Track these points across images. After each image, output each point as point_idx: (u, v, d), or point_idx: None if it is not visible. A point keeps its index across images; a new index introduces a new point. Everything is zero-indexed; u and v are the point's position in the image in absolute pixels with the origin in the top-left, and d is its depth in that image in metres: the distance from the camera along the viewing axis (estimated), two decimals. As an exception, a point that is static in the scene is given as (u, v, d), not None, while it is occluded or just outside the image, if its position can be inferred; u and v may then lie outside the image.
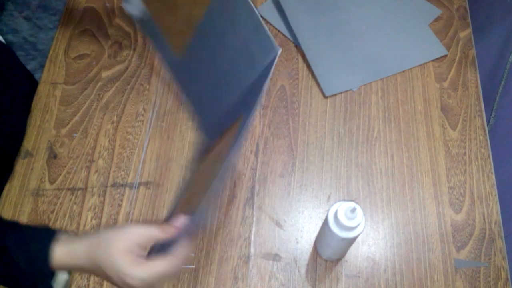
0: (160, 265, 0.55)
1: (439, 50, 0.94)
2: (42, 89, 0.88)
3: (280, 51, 0.56)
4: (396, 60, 0.93)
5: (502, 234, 0.78)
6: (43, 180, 0.79)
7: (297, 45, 0.94)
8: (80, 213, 0.77)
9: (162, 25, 0.78)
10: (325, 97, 0.89)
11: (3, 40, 0.88)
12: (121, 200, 0.78)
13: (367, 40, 0.95)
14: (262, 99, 0.62)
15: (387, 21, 0.97)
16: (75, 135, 0.84)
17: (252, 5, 0.59)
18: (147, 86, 0.89)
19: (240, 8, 0.62)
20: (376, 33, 0.96)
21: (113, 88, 0.89)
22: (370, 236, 0.77)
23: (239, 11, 0.62)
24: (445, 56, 0.94)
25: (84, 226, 0.76)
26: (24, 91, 0.89)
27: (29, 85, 0.92)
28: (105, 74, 0.90)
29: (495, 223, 0.78)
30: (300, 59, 0.93)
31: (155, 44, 0.83)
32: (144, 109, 0.87)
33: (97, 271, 0.56)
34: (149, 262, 0.55)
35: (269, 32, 0.57)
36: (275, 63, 0.58)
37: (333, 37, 0.94)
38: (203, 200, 0.57)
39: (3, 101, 0.84)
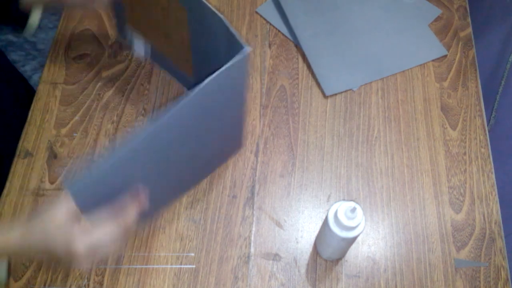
0: (105, 229, 0.57)
1: (439, 50, 0.94)
2: (42, 89, 0.88)
3: (249, 50, 0.58)
4: (396, 60, 0.93)
5: (502, 234, 0.78)
6: (43, 180, 0.79)
7: (297, 45, 0.94)
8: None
9: (169, 55, 0.82)
10: (325, 97, 0.89)
11: None
12: (121, 200, 0.78)
13: (367, 40, 0.95)
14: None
15: (387, 21, 0.97)
16: (75, 134, 0.84)
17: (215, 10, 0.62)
18: (147, 86, 0.89)
19: (208, 15, 0.65)
20: (376, 33, 0.96)
21: (113, 88, 0.89)
22: (370, 236, 0.77)
23: (208, 18, 0.66)
24: (445, 56, 0.94)
25: (84, 226, 0.76)
26: (18, 95, 0.89)
27: (24, 89, 0.92)
28: (105, 74, 0.90)
29: (495, 223, 0.78)
30: (300, 59, 0.93)
31: (172, 74, 0.87)
32: (144, 109, 0.87)
33: (37, 245, 0.57)
34: (95, 229, 0.57)
35: (236, 33, 0.60)
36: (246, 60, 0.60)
37: (333, 37, 0.95)
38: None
39: None
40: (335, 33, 0.95)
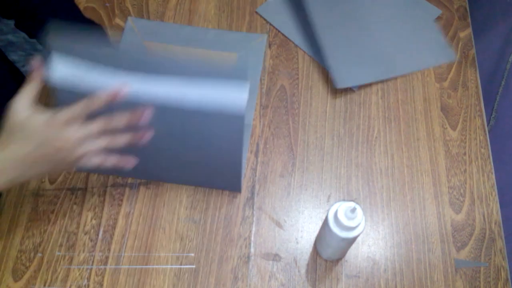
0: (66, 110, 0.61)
1: (448, 55, 0.94)
2: (42, 89, 0.88)
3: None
4: (408, 61, 0.92)
5: (502, 234, 0.78)
6: (43, 180, 0.79)
7: (297, 45, 0.94)
8: (80, 213, 0.77)
9: None
10: (335, 88, 0.88)
11: None
12: (121, 200, 0.78)
13: (382, 37, 0.95)
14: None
15: (403, 20, 0.97)
16: (75, 135, 0.84)
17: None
18: (147, 86, 0.89)
19: None
20: (391, 31, 0.96)
21: (113, 88, 0.89)
22: (370, 236, 0.77)
23: None
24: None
25: (84, 226, 0.76)
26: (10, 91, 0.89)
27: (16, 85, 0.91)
28: (105, 74, 0.90)
29: (495, 223, 0.78)
30: (300, 59, 0.93)
31: None
32: (144, 109, 0.87)
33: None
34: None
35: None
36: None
37: (349, 30, 0.95)
38: None
39: None
40: (352, 26, 0.95)
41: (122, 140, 0.64)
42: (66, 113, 0.61)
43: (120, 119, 0.64)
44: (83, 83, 0.63)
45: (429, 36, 0.96)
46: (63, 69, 0.62)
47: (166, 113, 0.64)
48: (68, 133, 0.61)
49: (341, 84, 0.89)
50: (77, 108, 0.61)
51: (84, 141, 0.62)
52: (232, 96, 0.61)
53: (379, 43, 0.94)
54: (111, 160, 0.66)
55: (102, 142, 0.63)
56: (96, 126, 0.63)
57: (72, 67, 0.63)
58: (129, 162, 0.67)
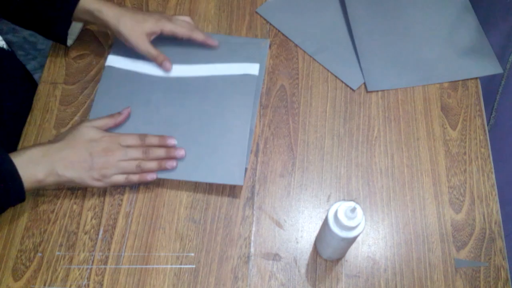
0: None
1: (494, 67, 0.92)
2: (42, 89, 0.88)
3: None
4: (447, 70, 0.92)
5: (502, 234, 0.78)
6: (43, 180, 0.79)
7: (297, 45, 0.94)
8: (80, 213, 0.77)
9: None
10: (367, 91, 0.89)
11: (5, 46, 0.88)
12: (121, 200, 0.78)
13: (422, 45, 0.94)
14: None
15: (446, 30, 0.96)
16: (75, 135, 0.84)
17: None
18: (147, 86, 0.89)
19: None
20: (432, 40, 0.95)
21: (113, 88, 0.89)
22: (370, 236, 0.77)
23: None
24: (445, 56, 0.93)
25: (84, 225, 0.76)
26: (23, 95, 0.89)
27: (30, 89, 0.92)
28: (105, 74, 0.90)
29: (495, 223, 0.78)
30: (300, 59, 0.93)
31: None
32: (144, 109, 0.87)
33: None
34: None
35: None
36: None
37: (388, 37, 0.95)
38: None
39: (3, 105, 0.83)
40: (391, 33, 0.95)
41: (152, 165, 0.76)
42: (124, 136, 0.76)
43: (156, 151, 0.76)
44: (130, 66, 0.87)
45: (476, 46, 0.94)
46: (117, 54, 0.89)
47: (191, 82, 0.85)
48: (117, 148, 0.74)
49: (371, 87, 0.89)
50: (135, 138, 0.76)
51: (123, 162, 0.74)
52: (246, 65, 0.88)
53: (421, 51, 0.93)
54: (134, 178, 0.75)
55: (134, 165, 0.75)
56: (135, 153, 0.75)
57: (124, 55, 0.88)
58: (150, 176, 0.76)
